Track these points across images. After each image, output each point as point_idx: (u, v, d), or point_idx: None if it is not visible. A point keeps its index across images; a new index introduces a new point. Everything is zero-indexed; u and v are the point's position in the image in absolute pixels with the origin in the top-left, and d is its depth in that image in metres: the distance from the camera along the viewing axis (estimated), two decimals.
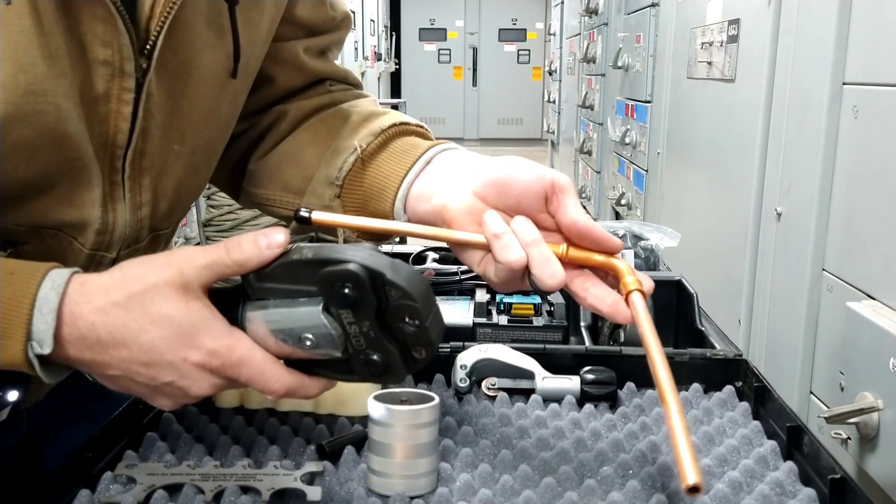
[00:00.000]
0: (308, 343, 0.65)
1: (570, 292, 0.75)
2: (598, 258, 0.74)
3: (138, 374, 0.67)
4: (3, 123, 0.68)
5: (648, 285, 0.73)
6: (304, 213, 0.78)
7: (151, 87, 0.78)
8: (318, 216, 0.78)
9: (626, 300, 0.72)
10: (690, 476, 0.61)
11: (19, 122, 0.69)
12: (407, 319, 0.65)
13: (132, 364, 0.66)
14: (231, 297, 0.68)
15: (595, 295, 0.74)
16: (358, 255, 0.63)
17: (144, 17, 0.75)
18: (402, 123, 0.92)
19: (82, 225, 0.79)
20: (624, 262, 0.74)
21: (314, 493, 0.71)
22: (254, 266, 0.66)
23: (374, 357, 0.66)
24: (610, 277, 0.75)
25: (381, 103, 0.99)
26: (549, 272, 0.72)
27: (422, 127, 0.94)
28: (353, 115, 0.95)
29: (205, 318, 0.66)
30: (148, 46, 0.76)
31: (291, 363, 0.68)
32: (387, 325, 0.65)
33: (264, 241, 0.66)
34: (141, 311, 0.65)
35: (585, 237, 0.74)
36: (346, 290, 0.63)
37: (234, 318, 0.67)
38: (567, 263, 0.74)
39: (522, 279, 0.74)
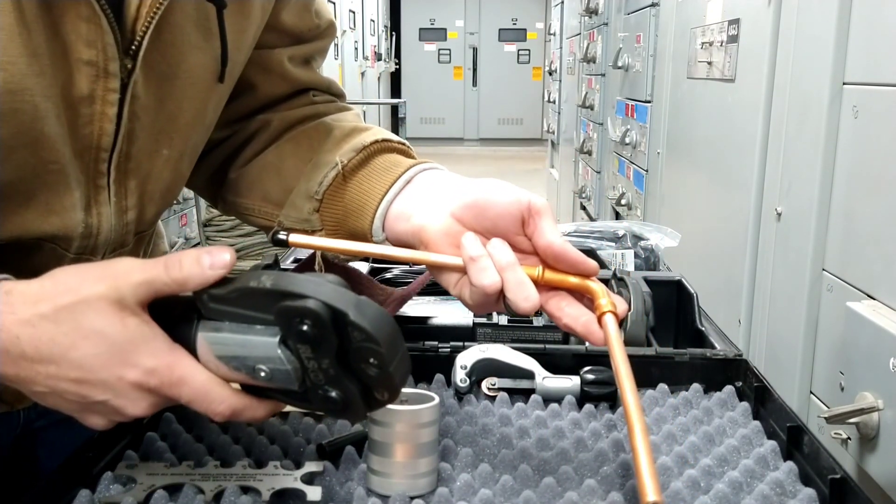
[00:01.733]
0: (262, 374, 0.62)
1: (545, 312, 0.76)
2: (574, 280, 0.75)
3: (67, 391, 0.63)
4: None
5: (622, 308, 0.74)
6: (281, 235, 0.75)
7: (138, 89, 0.78)
8: (296, 238, 0.76)
9: (600, 321, 0.73)
10: (650, 493, 0.62)
11: None
12: (371, 361, 0.61)
13: (60, 381, 0.62)
14: (181, 311, 0.64)
15: (569, 315, 0.74)
16: (320, 291, 0.59)
17: (130, 18, 0.75)
18: (384, 140, 0.91)
19: (64, 232, 0.78)
20: (599, 285, 0.74)
21: (314, 493, 0.71)
22: (195, 285, 0.63)
23: (333, 394, 0.62)
24: (586, 300, 0.75)
25: (380, 103, 0.99)
26: (524, 296, 0.73)
27: (404, 144, 0.93)
28: (335, 129, 0.95)
29: (143, 335, 0.62)
30: (133, 47, 0.76)
31: (243, 386, 0.65)
32: (348, 364, 0.61)
33: (207, 261, 0.63)
34: (72, 325, 0.61)
35: (561, 260, 0.74)
36: (305, 328, 0.59)
37: (183, 335, 0.64)
38: (543, 285, 0.74)
39: (497, 302, 0.75)
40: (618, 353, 0.71)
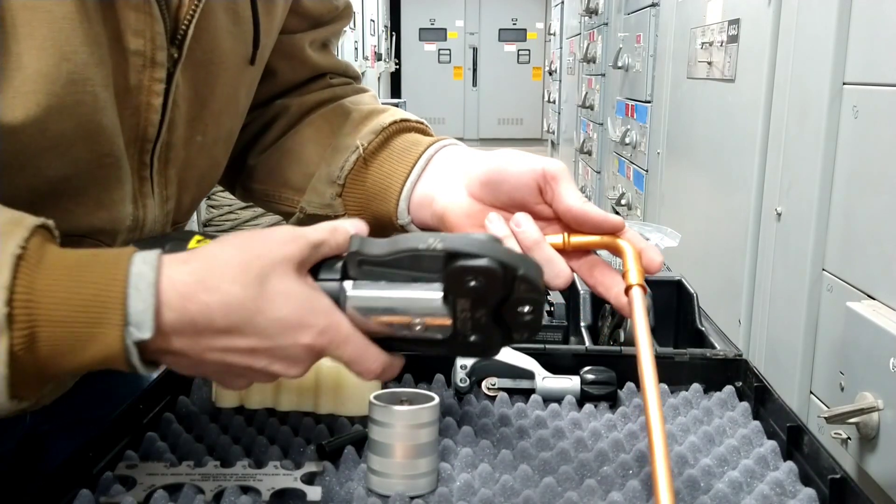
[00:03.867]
0: (418, 328, 0.65)
1: (579, 277, 0.75)
2: (600, 240, 0.74)
3: (233, 363, 0.61)
4: (45, 116, 0.66)
5: (656, 262, 0.72)
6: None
7: (178, 78, 0.77)
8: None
9: (627, 293, 0.72)
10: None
11: (59, 114, 0.67)
12: (526, 309, 0.65)
13: (232, 354, 0.61)
14: (325, 272, 0.66)
15: (602, 283, 0.74)
16: (490, 250, 0.63)
17: (174, 6, 0.74)
18: (402, 120, 0.92)
19: (112, 226, 0.77)
20: (625, 243, 0.73)
21: (314, 493, 0.71)
22: (344, 251, 0.65)
23: (473, 338, 0.65)
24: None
25: (381, 104, 1.00)
26: (554, 273, 0.72)
27: (422, 123, 0.94)
28: (353, 112, 0.95)
29: (316, 296, 0.63)
30: (179, 35, 0.75)
31: (376, 339, 0.66)
32: (499, 312, 0.65)
33: (364, 229, 0.66)
34: (258, 290, 0.59)
35: (583, 222, 0.74)
36: (475, 283, 0.62)
37: (331, 294, 0.65)
38: (571, 251, 0.74)
39: None
40: (640, 332, 0.70)
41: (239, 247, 0.61)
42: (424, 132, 0.92)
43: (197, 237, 0.68)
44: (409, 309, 0.64)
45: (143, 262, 0.58)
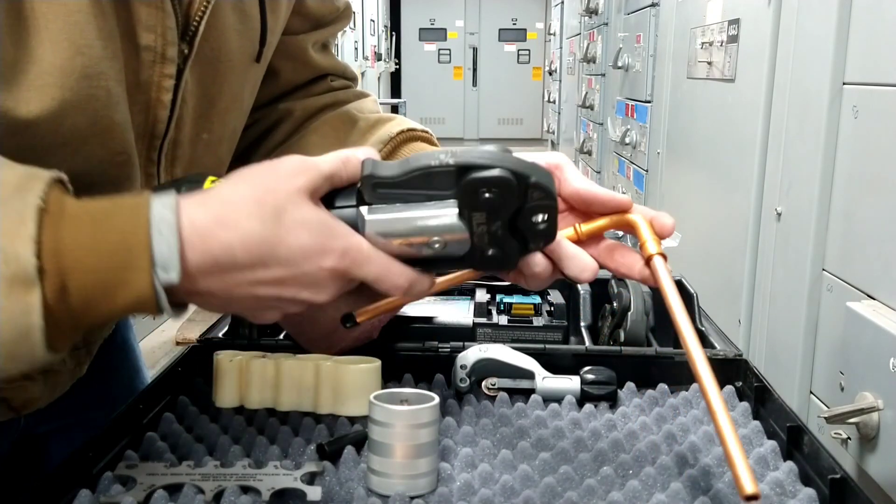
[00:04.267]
0: (437, 246, 0.65)
1: (601, 265, 0.76)
2: (611, 221, 0.74)
3: (263, 296, 0.62)
4: (59, 110, 0.66)
5: (668, 226, 0.73)
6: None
7: (186, 74, 0.77)
8: (363, 315, 0.77)
9: (648, 264, 0.72)
10: (748, 485, 0.60)
11: (74, 109, 0.67)
12: (540, 217, 0.65)
13: (260, 286, 0.62)
14: (339, 198, 0.67)
15: (624, 264, 0.74)
16: (501, 159, 0.63)
17: (185, 2, 0.74)
18: (409, 130, 0.93)
19: None
20: (637, 217, 0.73)
21: (314, 493, 0.71)
22: (357, 180, 0.65)
23: (491, 252, 0.66)
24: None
25: (381, 104, 1.00)
26: (580, 268, 0.72)
27: (427, 132, 0.94)
28: (360, 120, 0.95)
29: (332, 221, 0.63)
30: (190, 31, 0.75)
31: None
32: (515, 223, 0.65)
33: (361, 154, 0.66)
34: (276, 223, 0.60)
35: (592, 203, 0.74)
36: (489, 195, 0.63)
37: (348, 219, 0.65)
38: (586, 240, 0.74)
39: (553, 275, 0.74)
40: (672, 297, 0.69)
41: (251, 183, 0.62)
42: (430, 141, 0.93)
43: (211, 178, 0.68)
44: (427, 228, 0.65)
45: (162, 206, 0.58)
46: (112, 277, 0.56)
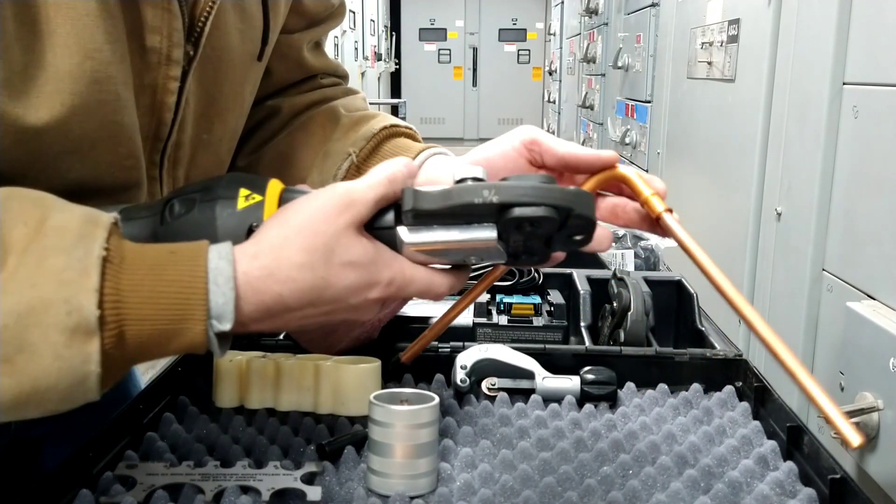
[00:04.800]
0: (474, 261, 0.67)
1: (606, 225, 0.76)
2: (601, 179, 0.74)
3: (311, 324, 0.65)
4: (69, 116, 0.65)
5: (661, 184, 0.73)
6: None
7: (190, 75, 0.76)
8: (408, 354, 0.82)
9: (658, 223, 0.72)
10: (853, 439, 0.60)
11: (83, 115, 0.66)
12: (577, 237, 0.67)
13: (310, 319, 0.64)
14: (377, 217, 0.67)
15: (629, 220, 0.74)
16: (546, 195, 0.63)
17: (191, 2, 0.74)
18: (392, 126, 0.92)
19: None
20: (628, 171, 0.73)
21: (314, 493, 0.71)
22: (398, 197, 0.66)
23: (524, 258, 0.68)
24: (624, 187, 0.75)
25: (381, 104, 1.00)
26: (597, 242, 0.72)
27: (410, 128, 0.94)
28: (343, 117, 0.95)
29: (377, 252, 0.64)
30: (196, 32, 0.74)
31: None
32: (551, 238, 0.66)
33: (406, 169, 0.66)
34: (325, 268, 0.62)
35: (576, 165, 0.74)
36: (531, 228, 0.64)
37: (387, 239, 0.66)
38: None
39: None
40: (694, 249, 0.70)
41: (299, 227, 0.62)
42: (413, 137, 0.93)
43: (243, 192, 0.67)
44: (465, 249, 0.66)
45: (219, 258, 0.59)
46: (169, 327, 0.58)
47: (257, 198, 0.66)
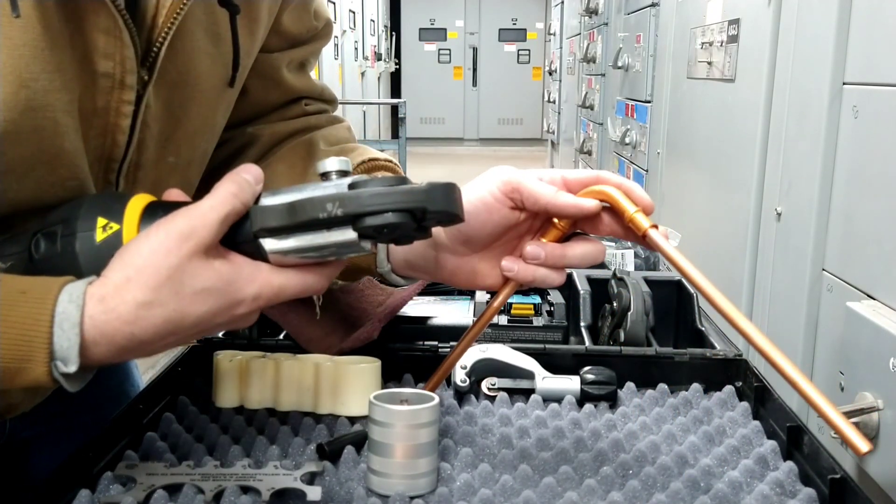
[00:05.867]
0: (339, 256, 0.68)
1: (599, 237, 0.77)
2: (584, 196, 0.74)
3: (189, 339, 0.66)
4: (1, 141, 0.66)
5: (647, 199, 0.73)
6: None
7: (149, 99, 0.76)
8: (430, 384, 0.81)
9: (645, 239, 0.72)
10: (862, 446, 0.61)
11: (17, 140, 0.67)
12: (440, 221, 0.68)
13: (182, 339, 0.65)
14: (237, 230, 0.66)
15: (612, 231, 0.74)
16: (395, 199, 0.63)
17: (147, 28, 0.73)
18: (371, 160, 0.91)
19: None
20: (612, 190, 0.73)
21: (314, 493, 0.71)
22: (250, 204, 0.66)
23: (403, 240, 0.69)
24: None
25: (380, 103, 0.99)
26: (589, 257, 0.74)
27: (390, 161, 0.93)
28: (322, 152, 0.94)
29: (235, 271, 0.65)
30: (151, 57, 0.74)
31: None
32: (418, 225, 0.67)
33: (251, 178, 0.67)
34: (176, 300, 0.62)
35: (558, 214, 0.74)
36: (387, 231, 0.64)
37: (251, 250, 0.66)
38: (572, 223, 0.75)
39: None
40: (682, 262, 0.71)
41: (141, 268, 0.62)
42: (393, 171, 0.92)
43: (101, 222, 0.66)
44: (328, 249, 0.66)
45: (69, 301, 0.61)
46: (12, 366, 0.60)
47: (115, 227, 0.65)
